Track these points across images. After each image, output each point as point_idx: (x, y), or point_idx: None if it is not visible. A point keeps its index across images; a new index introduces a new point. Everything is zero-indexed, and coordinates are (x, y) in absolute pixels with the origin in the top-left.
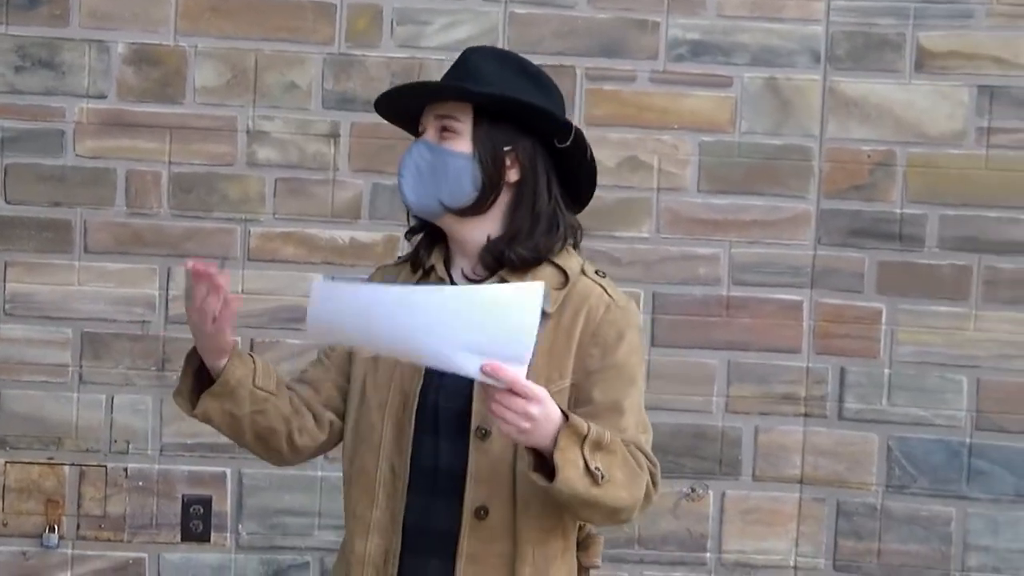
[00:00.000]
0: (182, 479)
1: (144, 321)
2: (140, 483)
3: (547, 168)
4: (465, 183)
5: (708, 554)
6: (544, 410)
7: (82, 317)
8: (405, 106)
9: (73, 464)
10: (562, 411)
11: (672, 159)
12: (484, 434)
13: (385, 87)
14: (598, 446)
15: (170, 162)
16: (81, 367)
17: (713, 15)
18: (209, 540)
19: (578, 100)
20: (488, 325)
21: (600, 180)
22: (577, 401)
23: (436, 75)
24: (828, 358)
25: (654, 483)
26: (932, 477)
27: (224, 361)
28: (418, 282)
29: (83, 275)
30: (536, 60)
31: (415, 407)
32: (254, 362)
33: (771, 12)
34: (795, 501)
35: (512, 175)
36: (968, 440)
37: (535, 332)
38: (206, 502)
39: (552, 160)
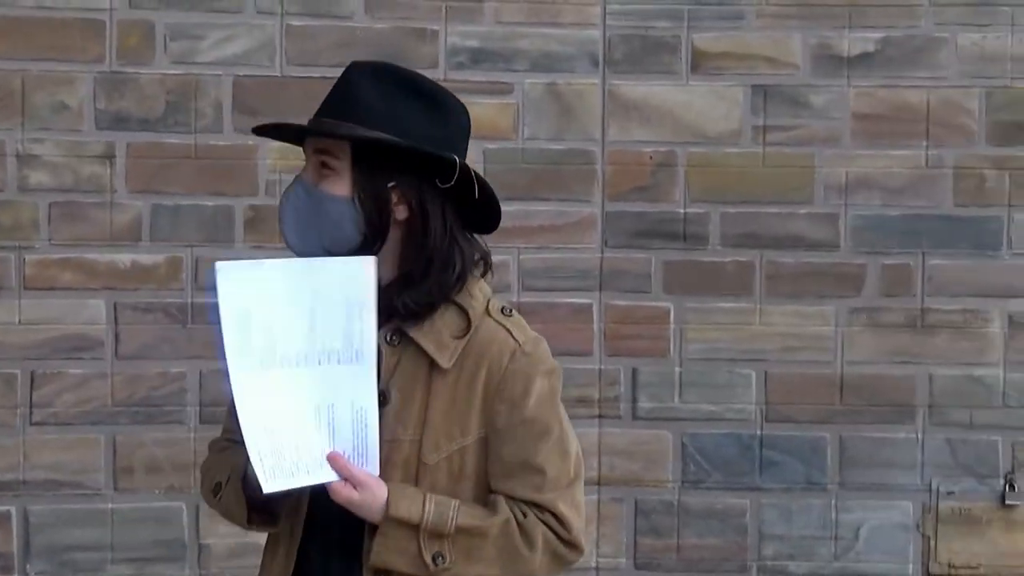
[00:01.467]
0: None
1: None
2: None
3: (440, 201)
4: (347, 229)
5: None
6: (365, 496)
7: None
8: (281, 135)
9: None
10: (388, 500)
11: None
12: None
13: (160, 104)
14: (438, 534)
15: None
16: None
17: (491, 22)
18: None
19: None
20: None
21: None
22: (488, 457)
23: (212, 91)
24: (620, 359)
25: (569, 545)
26: (726, 471)
27: None
28: None
29: None
30: (315, 73)
31: None
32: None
33: (548, 18)
34: (593, 503)
35: (400, 212)
36: (759, 432)
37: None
38: None
39: (445, 189)
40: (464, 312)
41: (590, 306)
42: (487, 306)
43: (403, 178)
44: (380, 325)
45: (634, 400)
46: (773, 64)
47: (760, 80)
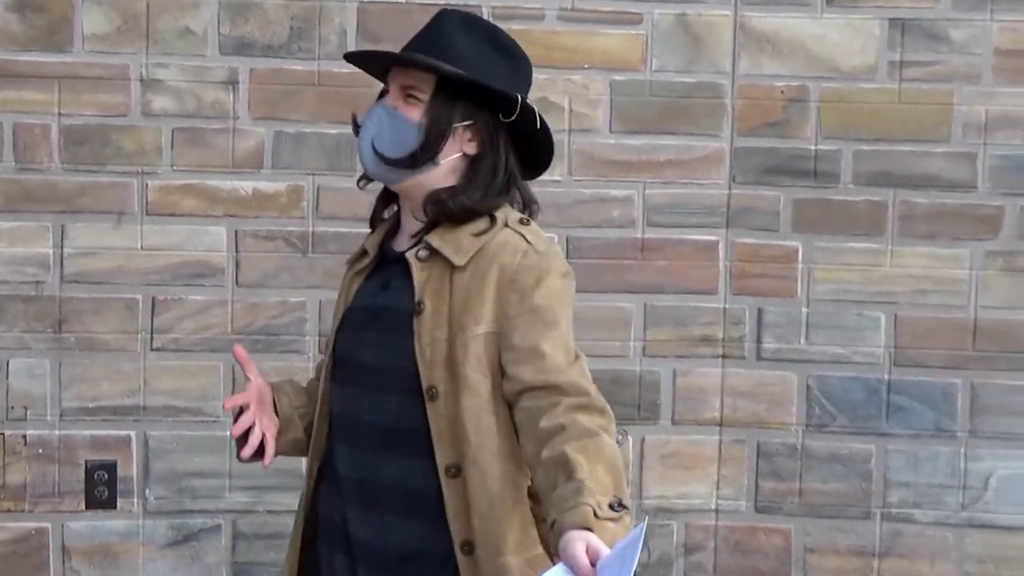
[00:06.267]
0: (85, 444)
1: (38, 281)
2: (40, 450)
3: (506, 142)
4: (405, 142)
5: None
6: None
7: None
8: (376, 62)
9: None
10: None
11: (583, 99)
12: (434, 395)
13: (284, 31)
14: (600, 506)
15: (60, 114)
16: None
17: None
18: (115, 506)
19: None
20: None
21: None
22: (501, 347)
23: (336, 17)
24: (745, 298)
25: (593, 410)
26: (851, 415)
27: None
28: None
29: None
30: (440, 0)
31: (331, 362)
32: (282, 386)
33: None
34: (715, 444)
35: (470, 148)
36: (887, 376)
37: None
38: (111, 467)
39: (510, 132)
40: (491, 220)
41: (716, 243)
42: (507, 218)
43: (479, 117)
44: (410, 247)
45: (759, 341)
46: None
47: (898, 13)
